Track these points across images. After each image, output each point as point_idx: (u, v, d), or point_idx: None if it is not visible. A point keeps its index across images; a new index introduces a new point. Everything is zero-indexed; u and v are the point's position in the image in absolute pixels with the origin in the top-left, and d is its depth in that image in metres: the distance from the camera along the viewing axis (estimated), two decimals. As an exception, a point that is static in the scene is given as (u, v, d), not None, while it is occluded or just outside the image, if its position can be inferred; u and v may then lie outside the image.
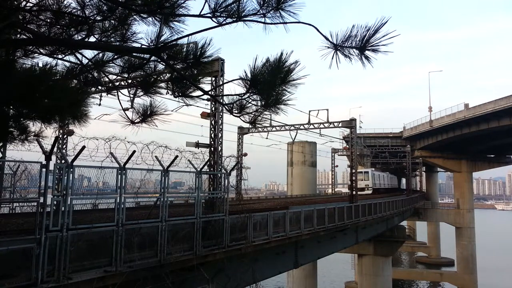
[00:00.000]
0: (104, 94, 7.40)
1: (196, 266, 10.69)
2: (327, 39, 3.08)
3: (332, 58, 3.13)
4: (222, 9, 3.26)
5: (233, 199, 24.97)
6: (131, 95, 4.50)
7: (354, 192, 26.26)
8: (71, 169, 8.17)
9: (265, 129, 28.87)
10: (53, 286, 7.41)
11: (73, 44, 3.72)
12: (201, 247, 10.99)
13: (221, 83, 12.92)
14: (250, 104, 3.95)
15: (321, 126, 28.10)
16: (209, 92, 5.35)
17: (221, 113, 14.25)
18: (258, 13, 3.24)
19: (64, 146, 15.21)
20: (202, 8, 3.22)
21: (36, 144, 5.40)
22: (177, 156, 15.47)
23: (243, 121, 4.20)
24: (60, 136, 14.68)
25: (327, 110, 27.61)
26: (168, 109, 4.46)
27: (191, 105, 4.36)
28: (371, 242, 32.47)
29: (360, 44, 3.01)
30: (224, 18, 3.30)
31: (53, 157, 7.87)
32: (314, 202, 25.70)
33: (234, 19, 3.29)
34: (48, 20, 3.52)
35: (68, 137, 15.09)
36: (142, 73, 4.20)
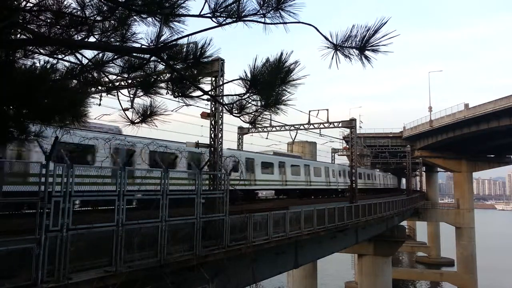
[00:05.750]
0: (104, 94, 7.39)
1: (196, 266, 10.70)
2: (327, 39, 3.08)
3: (332, 58, 3.13)
4: (222, 9, 3.26)
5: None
6: (131, 95, 4.50)
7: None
8: (71, 169, 8.17)
9: (265, 129, 28.90)
10: (53, 286, 7.41)
11: (73, 44, 3.72)
12: (201, 247, 10.99)
13: (221, 83, 12.92)
14: (250, 104, 3.95)
15: (321, 126, 28.12)
16: (209, 92, 5.35)
17: (221, 113, 14.25)
18: (258, 13, 3.24)
19: (64, 146, 15.20)
20: (202, 8, 3.23)
21: (36, 144, 5.40)
22: (177, 156, 15.48)
23: (243, 121, 4.20)
24: (60, 136, 14.65)
25: (327, 110, 27.68)
26: (168, 109, 4.46)
27: (191, 105, 4.36)
28: (371, 242, 32.47)
29: (360, 44, 3.01)
30: (224, 18, 3.30)
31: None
32: (314, 202, 25.71)
33: (234, 19, 3.29)
34: (48, 21, 3.52)
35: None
36: (142, 73, 4.20)
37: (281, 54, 3.55)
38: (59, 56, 3.72)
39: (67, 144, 13.81)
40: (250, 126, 26.55)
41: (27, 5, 3.38)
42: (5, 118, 3.26)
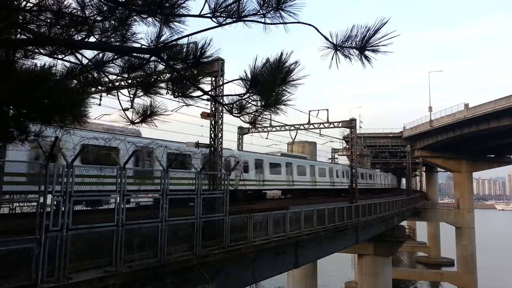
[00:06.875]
0: (104, 94, 7.40)
1: (196, 266, 10.70)
2: (327, 39, 3.08)
3: (332, 58, 3.13)
4: (222, 9, 3.26)
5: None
6: (131, 95, 4.50)
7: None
8: (71, 169, 8.17)
9: (265, 129, 28.88)
10: (53, 286, 7.41)
11: (73, 44, 3.72)
12: (201, 247, 10.99)
13: (221, 83, 12.92)
14: (250, 104, 3.95)
15: (321, 126, 28.12)
16: (209, 92, 5.34)
17: (221, 113, 14.25)
18: (258, 13, 3.24)
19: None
20: (202, 8, 3.23)
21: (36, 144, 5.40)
22: (177, 156, 15.48)
23: (243, 121, 4.20)
24: (60, 136, 14.63)
25: (327, 110, 27.67)
26: (168, 109, 4.46)
27: (191, 105, 4.36)
28: (371, 242, 32.48)
29: (360, 44, 3.01)
30: (224, 18, 3.30)
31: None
32: (314, 202, 25.69)
33: (234, 19, 3.29)
34: (48, 20, 3.52)
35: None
36: (142, 73, 4.20)
37: (281, 54, 3.55)
38: (59, 56, 3.72)
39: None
40: (250, 126, 26.11)
41: (27, 5, 3.38)
42: (5, 118, 3.26)
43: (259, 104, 3.89)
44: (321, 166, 35.86)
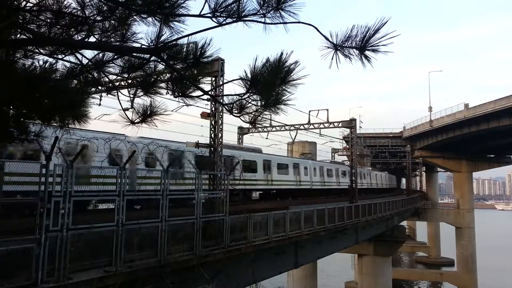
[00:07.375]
0: (104, 94, 7.41)
1: (196, 266, 10.70)
2: (327, 39, 3.08)
3: (332, 58, 3.13)
4: (222, 9, 3.26)
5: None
6: (131, 95, 4.50)
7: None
8: (71, 169, 8.17)
9: (265, 129, 28.89)
10: (53, 286, 7.41)
11: (73, 44, 3.72)
12: (201, 247, 10.99)
13: (221, 83, 12.92)
14: (250, 104, 3.95)
15: (321, 126, 28.12)
16: (209, 92, 5.35)
17: (221, 113, 14.25)
18: (258, 13, 3.24)
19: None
20: (202, 8, 3.23)
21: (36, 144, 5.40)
22: (177, 156, 15.47)
23: (243, 121, 4.20)
24: (60, 136, 14.62)
25: (327, 110, 27.67)
26: (168, 109, 4.46)
27: (191, 105, 4.36)
28: (371, 242, 32.47)
29: (360, 44, 3.01)
30: (224, 18, 3.30)
31: (53, 157, 7.87)
32: (314, 202, 25.68)
33: (234, 19, 3.29)
34: (48, 20, 3.52)
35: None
36: (142, 73, 4.20)
37: (281, 54, 3.55)
38: (59, 56, 3.72)
39: None
40: (250, 126, 26.23)
41: (27, 5, 3.38)
42: (5, 118, 3.26)
43: (259, 104, 3.89)
44: (282, 162, 29.17)
